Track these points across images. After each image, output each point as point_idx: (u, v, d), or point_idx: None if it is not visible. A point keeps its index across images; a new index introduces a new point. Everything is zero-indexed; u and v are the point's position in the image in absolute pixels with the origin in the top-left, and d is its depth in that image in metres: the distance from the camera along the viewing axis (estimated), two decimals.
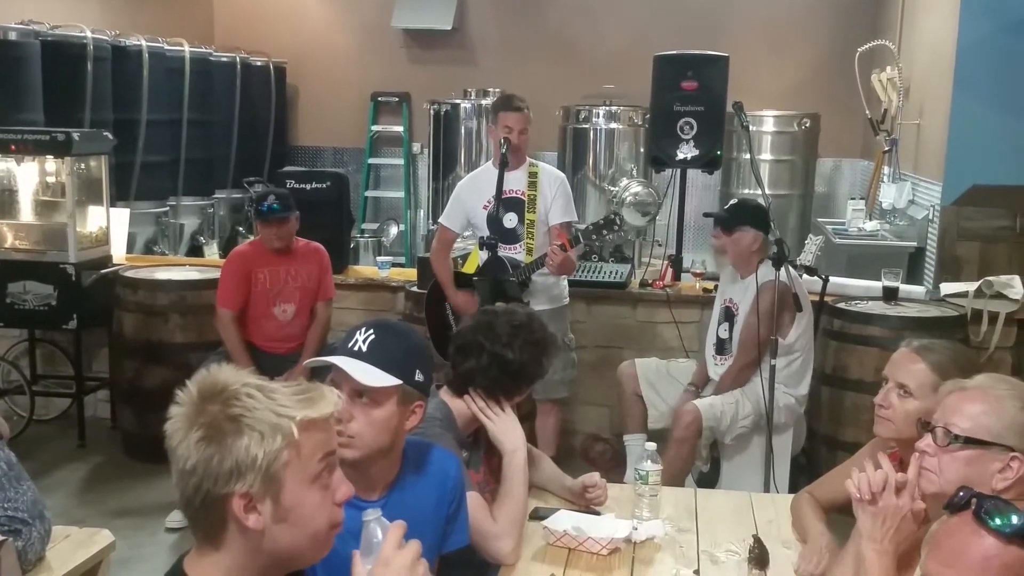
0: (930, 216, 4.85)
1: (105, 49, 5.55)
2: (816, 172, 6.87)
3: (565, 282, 3.98)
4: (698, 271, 4.67)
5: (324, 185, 4.78)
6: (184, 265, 4.94)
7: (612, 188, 6.10)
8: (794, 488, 3.07)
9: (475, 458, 2.26)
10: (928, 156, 5.06)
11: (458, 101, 6.89)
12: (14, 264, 4.48)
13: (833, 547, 2.04)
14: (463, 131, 6.81)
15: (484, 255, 3.73)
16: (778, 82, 7.01)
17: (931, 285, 4.53)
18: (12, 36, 5.00)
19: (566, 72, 7.15)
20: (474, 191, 3.84)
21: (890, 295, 4.05)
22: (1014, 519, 1.22)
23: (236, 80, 6.99)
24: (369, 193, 7.87)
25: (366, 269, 5.13)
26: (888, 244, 5.17)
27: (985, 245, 4.55)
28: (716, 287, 4.01)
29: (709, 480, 3.74)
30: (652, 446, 2.36)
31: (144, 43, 5.91)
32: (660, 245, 5.52)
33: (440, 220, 4.03)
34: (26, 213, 4.67)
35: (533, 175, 3.81)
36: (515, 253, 3.79)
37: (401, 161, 7.81)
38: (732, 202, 4.01)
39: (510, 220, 3.79)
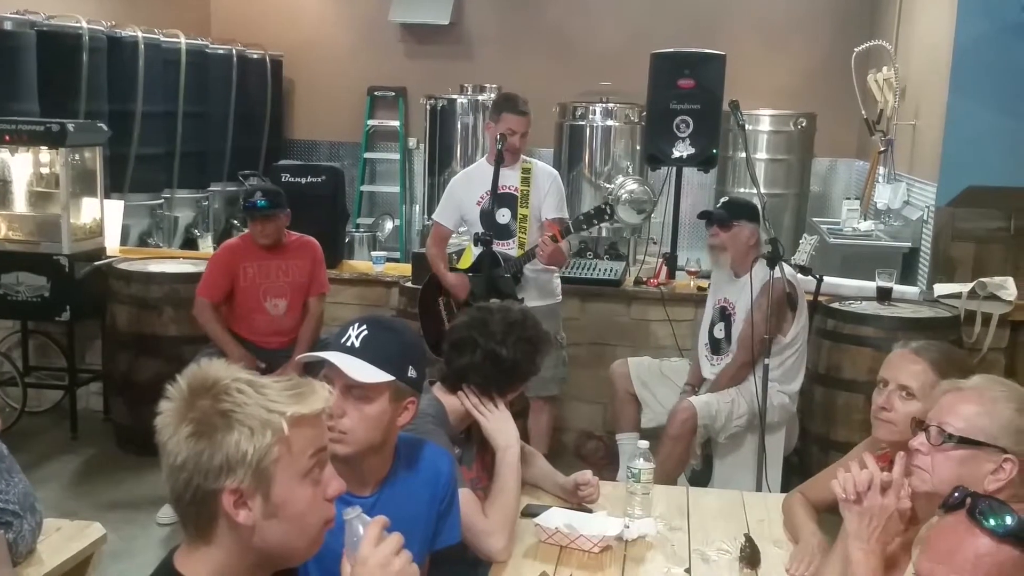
0: (925, 217, 4.86)
1: (101, 40, 5.53)
2: (812, 172, 6.87)
3: (558, 279, 3.98)
4: (693, 269, 4.67)
5: (319, 179, 4.77)
6: (178, 258, 4.93)
7: (608, 185, 6.10)
8: (786, 487, 3.07)
9: (467, 455, 2.26)
10: (923, 157, 5.07)
11: (454, 96, 6.88)
12: (7, 255, 4.46)
13: (825, 547, 2.05)
14: (459, 126, 6.81)
15: (478, 251, 3.73)
16: (775, 81, 7.02)
17: (925, 286, 4.54)
18: (7, 26, 4.97)
19: (563, 68, 7.15)
20: (467, 187, 3.84)
21: (884, 295, 4.06)
22: (1008, 519, 1.23)
23: (232, 73, 6.97)
24: (365, 188, 7.86)
25: (360, 264, 5.12)
26: (882, 244, 5.18)
27: (979, 246, 4.56)
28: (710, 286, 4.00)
29: (701, 479, 3.75)
30: (645, 444, 2.36)
31: (140, 34, 5.88)
32: (655, 243, 5.52)
33: (434, 217, 4.03)
34: (20, 204, 4.65)
35: (526, 171, 3.81)
36: (508, 249, 3.79)
37: (397, 156, 7.80)
38: (725, 199, 4.01)
39: (503, 216, 3.79)
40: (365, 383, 1.72)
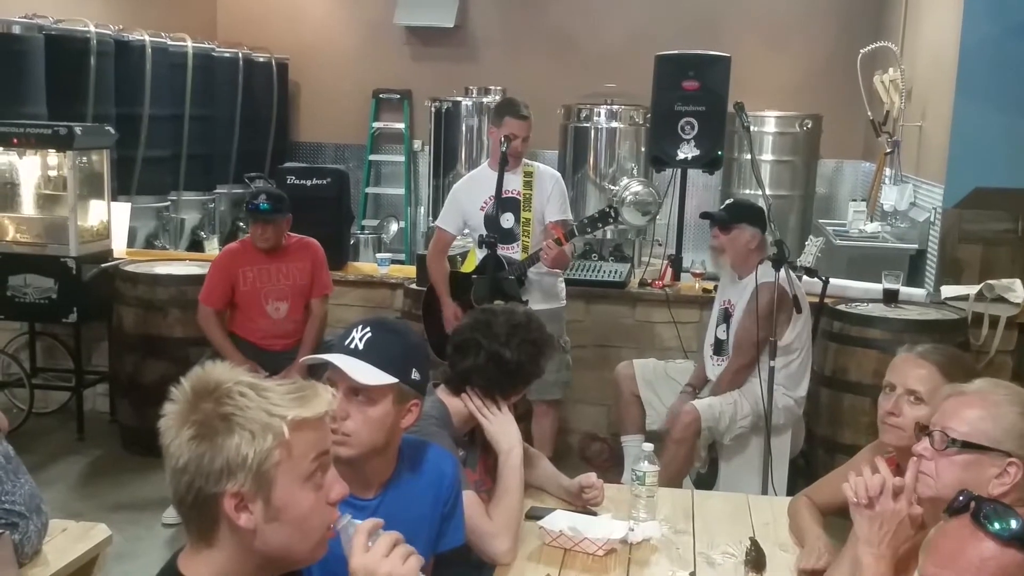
0: (931, 218, 4.84)
1: (108, 44, 5.55)
2: (817, 173, 6.86)
3: (563, 283, 3.98)
4: (698, 271, 4.66)
5: (324, 181, 4.78)
6: (184, 260, 4.94)
7: (612, 187, 6.10)
8: (792, 490, 3.06)
9: (471, 457, 2.26)
10: (930, 158, 5.05)
11: (459, 99, 6.88)
12: (15, 257, 4.47)
13: (831, 550, 2.04)
14: (464, 128, 6.81)
15: (482, 253, 3.73)
16: (780, 83, 7.01)
17: (932, 288, 4.53)
18: (16, 30, 5.00)
19: (567, 70, 7.15)
20: (470, 192, 3.84)
21: (890, 297, 4.04)
22: (1013, 523, 1.22)
23: (238, 76, 6.99)
24: (370, 190, 7.88)
25: (365, 266, 5.12)
26: (889, 246, 5.17)
27: (987, 248, 4.54)
28: (716, 287, 4.00)
29: (707, 481, 3.74)
30: (649, 447, 2.36)
31: (147, 38, 5.91)
32: (660, 245, 5.52)
33: (436, 223, 4.03)
34: (27, 206, 4.67)
35: (528, 174, 3.81)
36: (512, 253, 3.79)
37: (402, 158, 7.81)
38: (728, 201, 4.01)
39: (507, 220, 3.79)
40: (369, 385, 1.72)
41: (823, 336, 3.92)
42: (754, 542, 2.13)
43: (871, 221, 5.60)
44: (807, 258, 4.35)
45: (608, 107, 6.42)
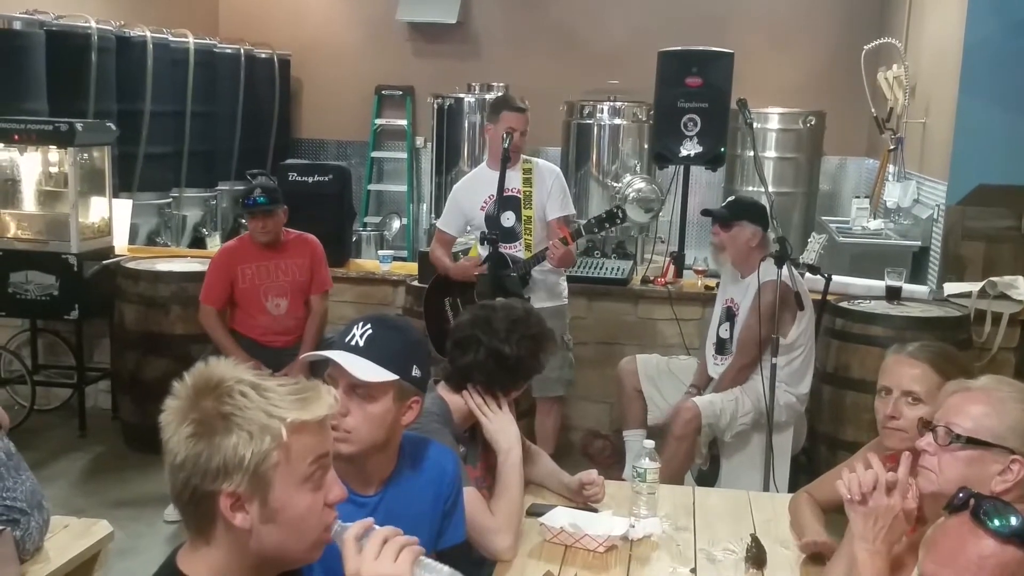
0: (935, 215, 4.83)
1: (109, 40, 5.55)
2: (821, 170, 6.84)
3: (565, 281, 3.97)
4: (700, 268, 4.65)
5: (326, 178, 4.77)
6: (185, 256, 4.94)
7: (615, 184, 6.09)
8: (794, 487, 3.06)
9: (472, 453, 2.26)
10: (933, 155, 5.04)
11: (462, 95, 6.87)
12: (16, 254, 4.48)
13: (832, 547, 2.04)
14: (467, 125, 6.80)
15: (484, 251, 3.73)
16: (783, 79, 6.99)
17: (935, 285, 4.52)
18: (17, 26, 5.00)
19: (570, 67, 7.14)
20: (470, 193, 3.84)
21: (893, 294, 4.03)
22: (1013, 520, 1.22)
23: (240, 72, 6.98)
24: (372, 187, 7.87)
25: (367, 263, 5.12)
26: (892, 243, 5.16)
27: (990, 245, 4.53)
28: (718, 284, 3.99)
29: (708, 478, 3.74)
30: (650, 444, 2.35)
31: (148, 34, 5.90)
32: (663, 242, 5.51)
33: (437, 224, 4.03)
34: (29, 203, 4.67)
35: (527, 171, 3.80)
36: (515, 251, 3.78)
37: (404, 155, 7.80)
38: (730, 199, 4.00)
39: (508, 219, 3.78)
40: (369, 382, 1.71)
41: (826, 333, 3.91)
42: (755, 539, 2.13)
43: (874, 218, 5.59)
44: (810, 255, 4.35)
45: (611, 104, 6.41)
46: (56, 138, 4.39)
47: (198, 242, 6.49)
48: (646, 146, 6.27)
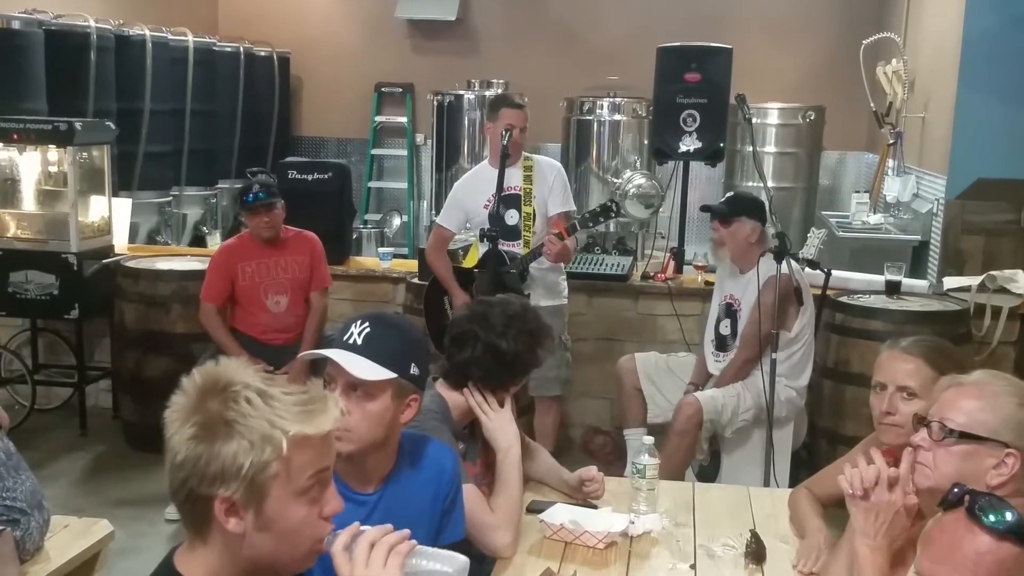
0: (934, 210, 4.83)
1: (108, 39, 5.55)
2: (820, 165, 6.84)
3: (564, 280, 3.97)
4: (700, 264, 4.65)
5: (326, 176, 4.77)
6: (185, 255, 4.94)
7: (615, 180, 6.09)
8: (794, 482, 3.05)
9: (472, 450, 2.26)
10: (933, 149, 5.04)
11: (462, 92, 6.87)
12: (16, 253, 4.48)
13: (831, 542, 2.04)
14: (466, 122, 6.80)
15: (484, 248, 3.73)
16: (782, 74, 6.98)
17: (935, 279, 4.51)
18: (16, 25, 5.00)
19: (570, 63, 7.13)
20: (473, 191, 3.83)
21: (892, 289, 4.03)
22: (1008, 516, 1.21)
23: (240, 70, 6.98)
24: (372, 184, 7.87)
25: (367, 260, 5.12)
26: (892, 238, 5.16)
27: (989, 239, 4.53)
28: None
29: (709, 474, 3.74)
30: (650, 440, 2.35)
31: (148, 33, 5.90)
32: (663, 237, 5.51)
33: (437, 220, 4.03)
34: (28, 202, 4.67)
35: (528, 168, 3.80)
36: (516, 249, 3.78)
37: (404, 152, 7.80)
38: (729, 194, 4.00)
39: (511, 217, 3.78)
40: (367, 380, 1.72)
41: (825, 328, 3.91)
42: (754, 534, 2.13)
43: (874, 213, 5.58)
44: (809, 250, 4.34)
45: (610, 100, 6.41)
46: (55, 137, 4.39)
47: (198, 240, 6.49)
48: (646, 142, 6.27)
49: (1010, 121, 4.41)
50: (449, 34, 7.58)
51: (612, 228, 5.90)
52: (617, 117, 6.40)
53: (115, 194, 4.94)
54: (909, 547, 1.66)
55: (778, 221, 3.42)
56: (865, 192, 5.97)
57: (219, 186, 6.86)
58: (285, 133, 7.74)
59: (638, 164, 6.25)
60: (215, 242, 6.32)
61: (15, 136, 4.40)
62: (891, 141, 5.68)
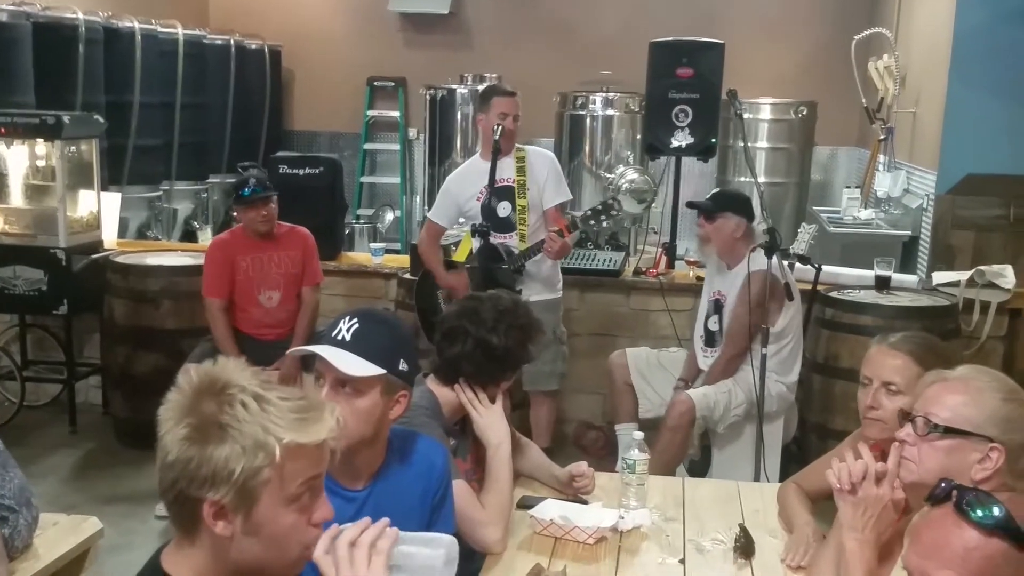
0: (925, 205, 4.84)
1: (97, 31, 5.50)
2: (813, 160, 6.85)
3: (559, 272, 3.97)
4: (692, 259, 4.66)
5: (317, 171, 4.76)
6: (175, 251, 4.92)
7: (608, 175, 6.09)
8: (785, 476, 3.06)
9: (463, 446, 2.26)
10: (923, 145, 5.05)
11: (454, 86, 6.85)
12: (4, 249, 4.45)
13: (820, 536, 2.05)
14: (459, 116, 6.78)
15: (476, 242, 3.72)
16: (775, 69, 6.98)
17: (925, 274, 4.53)
18: (3, 18, 4.95)
19: (563, 58, 7.12)
20: (465, 184, 3.83)
21: (882, 284, 4.05)
22: (995, 511, 1.21)
23: (230, 63, 6.94)
24: (365, 179, 7.84)
25: (359, 255, 5.11)
26: (882, 233, 5.17)
27: (979, 234, 4.54)
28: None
29: (700, 468, 3.75)
30: (639, 435, 2.36)
31: (137, 25, 5.86)
32: (656, 233, 5.51)
33: (429, 215, 4.02)
34: (16, 197, 4.64)
35: (521, 159, 3.80)
36: (509, 241, 3.77)
37: (397, 146, 7.78)
38: (714, 190, 4.00)
39: (504, 209, 3.78)
40: (356, 377, 1.71)
41: (816, 323, 3.92)
42: (743, 529, 2.14)
43: (865, 208, 5.60)
44: (800, 245, 4.35)
45: (603, 94, 6.40)
46: (43, 131, 4.37)
47: (189, 235, 6.46)
48: (639, 137, 6.27)
49: (1000, 117, 4.42)
50: (442, 28, 7.55)
51: (605, 223, 5.89)
52: (610, 112, 6.39)
53: (104, 188, 4.92)
54: (896, 540, 1.67)
55: (769, 216, 3.43)
56: (856, 187, 5.98)
57: (210, 180, 6.82)
58: (277, 127, 7.70)
59: (631, 159, 6.25)
60: (206, 237, 6.30)
61: (2, 130, 4.37)
62: (882, 136, 5.69)
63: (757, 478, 3.25)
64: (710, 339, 3.70)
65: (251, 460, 1.13)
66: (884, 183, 5.47)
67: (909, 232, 4.98)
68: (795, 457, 3.88)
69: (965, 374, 1.61)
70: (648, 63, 4.97)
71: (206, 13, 7.75)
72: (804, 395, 3.89)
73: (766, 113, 6.52)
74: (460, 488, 2.02)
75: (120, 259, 4.50)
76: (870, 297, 3.97)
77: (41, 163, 4.60)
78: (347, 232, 6.11)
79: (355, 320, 1.77)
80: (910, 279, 4.27)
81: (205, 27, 7.08)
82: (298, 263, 3.91)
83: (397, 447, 1.87)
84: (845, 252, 4.85)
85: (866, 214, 5.45)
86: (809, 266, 3.88)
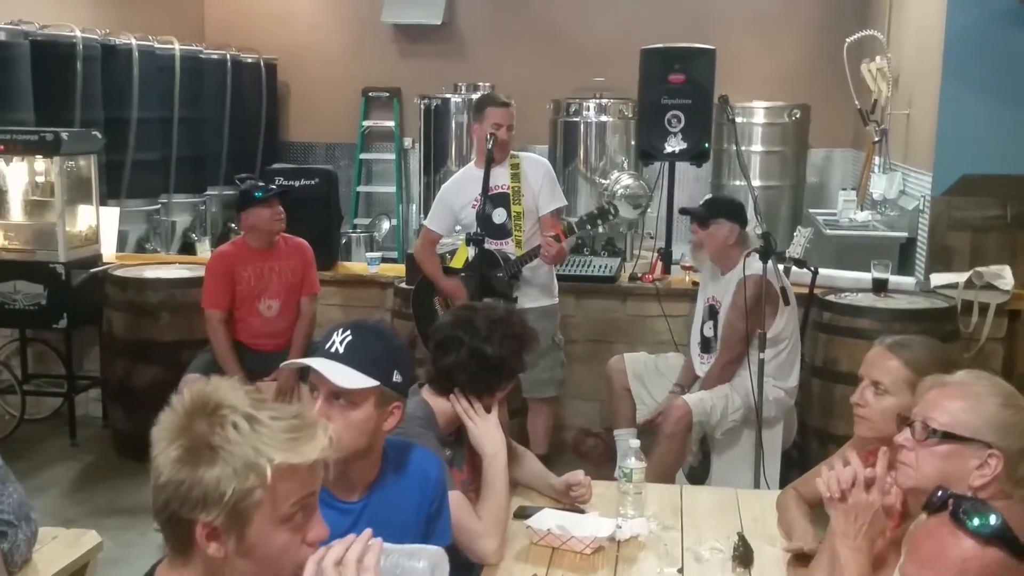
0: (921, 206, 4.84)
1: (95, 48, 5.53)
2: (808, 163, 6.86)
3: (555, 278, 3.97)
4: (687, 264, 4.66)
5: (313, 182, 4.77)
6: (173, 263, 4.93)
7: (603, 181, 6.10)
8: (785, 482, 3.06)
9: (458, 456, 2.26)
10: (918, 146, 5.05)
11: (448, 95, 6.88)
12: (4, 264, 4.47)
13: (818, 543, 2.04)
14: (454, 125, 6.80)
15: (472, 251, 3.73)
16: (767, 73, 7.00)
17: (922, 276, 4.53)
18: (2, 36, 4.98)
19: (556, 65, 7.14)
20: (459, 192, 3.84)
21: (879, 287, 4.04)
22: (992, 520, 1.20)
23: (227, 77, 6.97)
24: (361, 188, 7.87)
25: (356, 265, 5.12)
26: (879, 235, 5.17)
27: (976, 235, 4.54)
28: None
29: (699, 475, 3.74)
30: (636, 443, 2.35)
31: (134, 42, 5.89)
32: (652, 238, 5.51)
33: (425, 223, 4.04)
34: (16, 213, 4.66)
35: (515, 166, 3.81)
36: (505, 247, 3.79)
37: (392, 156, 7.80)
38: (707, 197, 4.01)
39: (499, 216, 3.79)
40: (349, 389, 1.72)
41: (813, 327, 3.92)
42: (742, 537, 2.13)
43: (861, 210, 5.60)
44: (795, 249, 4.35)
45: (597, 101, 6.42)
46: (42, 147, 4.39)
47: (188, 248, 6.48)
48: (632, 143, 6.28)
49: (994, 116, 4.42)
50: (435, 38, 7.58)
51: (601, 229, 5.90)
52: (604, 118, 6.41)
53: (103, 203, 4.94)
54: (891, 548, 1.67)
55: (763, 221, 3.43)
56: (852, 189, 5.98)
57: (208, 193, 6.85)
58: (273, 139, 7.73)
59: (626, 165, 6.26)
60: (204, 249, 6.31)
61: (2, 147, 4.39)
62: (876, 138, 5.69)
63: (757, 484, 3.24)
64: (706, 345, 3.70)
65: (242, 482, 1.13)
66: (880, 185, 5.48)
67: (906, 234, 4.98)
68: (796, 462, 3.87)
69: (964, 379, 1.61)
70: (640, 70, 4.98)
71: (202, 29, 7.78)
72: (804, 399, 3.88)
73: (760, 117, 6.53)
74: (456, 499, 2.02)
75: (119, 272, 4.52)
76: (867, 300, 3.97)
77: (40, 179, 4.62)
78: (343, 242, 6.13)
79: (348, 332, 1.77)
80: (907, 281, 4.27)
81: (201, 42, 7.12)
82: (298, 273, 3.93)
83: (392, 458, 1.88)
84: (841, 254, 4.84)
85: (862, 216, 5.45)
86: (805, 269, 3.88)
